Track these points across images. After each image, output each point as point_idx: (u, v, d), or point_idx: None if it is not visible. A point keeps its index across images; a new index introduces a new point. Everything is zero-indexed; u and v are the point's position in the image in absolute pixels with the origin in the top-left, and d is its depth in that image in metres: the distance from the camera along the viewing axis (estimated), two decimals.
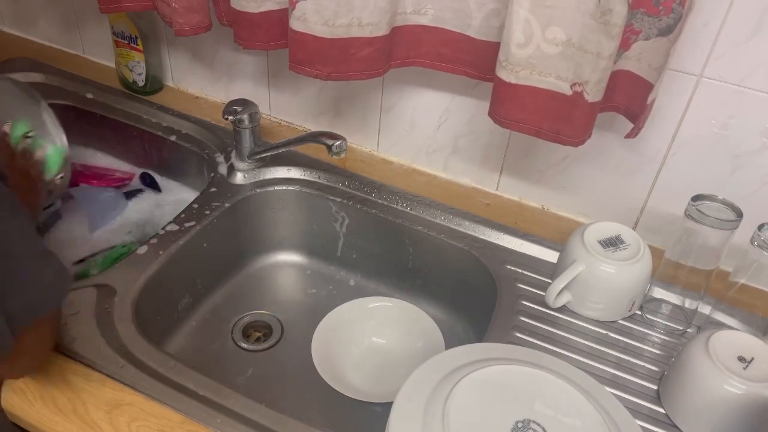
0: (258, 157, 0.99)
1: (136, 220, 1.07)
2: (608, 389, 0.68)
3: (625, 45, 0.74)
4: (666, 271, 0.81)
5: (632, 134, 0.79)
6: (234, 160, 1.01)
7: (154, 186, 1.12)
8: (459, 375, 0.63)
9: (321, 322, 0.93)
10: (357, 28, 0.81)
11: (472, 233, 0.93)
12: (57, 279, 0.63)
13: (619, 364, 0.77)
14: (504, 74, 0.77)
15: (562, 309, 0.83)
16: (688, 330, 0.81)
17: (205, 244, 0.93)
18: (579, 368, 0.70)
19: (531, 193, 0.98)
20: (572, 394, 0.63)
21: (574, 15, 0.71)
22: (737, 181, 0.83)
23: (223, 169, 1.01)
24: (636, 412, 0.72)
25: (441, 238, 0.93)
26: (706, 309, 0.82)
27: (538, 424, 0.59)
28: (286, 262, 1.06)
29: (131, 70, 1.14)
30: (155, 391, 0.70)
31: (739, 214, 0.74)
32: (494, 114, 0.81)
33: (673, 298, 0.82)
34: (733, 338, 0.69)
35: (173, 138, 1.08)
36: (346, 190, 0.99)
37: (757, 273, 0.75)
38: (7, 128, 0.86)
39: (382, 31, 0.82)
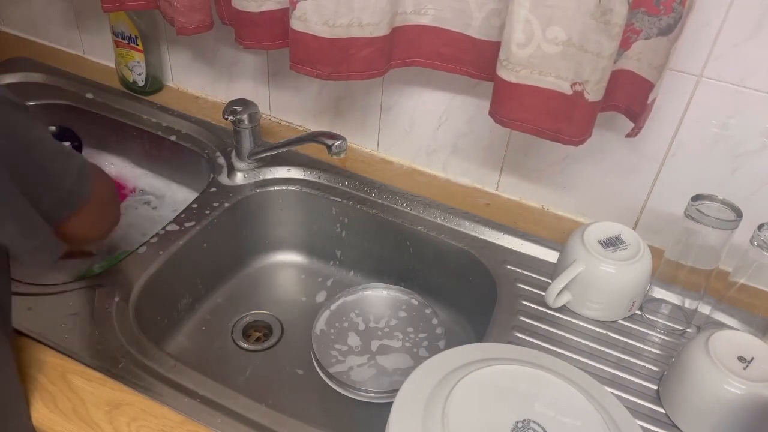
0: (258, 157, 0.99)
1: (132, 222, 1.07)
2: (608, 389, 0.68)
3: (625, 44, 0.74)
4: (666, 271, 0.81)
5: (633, 134, 0.79)
6: (234, 160, 1.01)
7: (73, 139, 1.10)
8: (459, 375, 0.63)
9: (320, 321, 0.93)
10: (357, 28, 0.81)
11: (472, 233, 0.93)
12: (81, 173, 0.64)
13: (619, 364, 0.77)
14: (504, 74, 0.77)
15: (562, 309, 0.83)
16: (688, 330, 0.81)
17: (205, 244, 0.93)
18: (579, 368, 0.70)
19: (531, 193, 0.98)
20: (572, 394, 0.63)
21: (574, 15, 0.71)
22: (737, 181, 0.83)
23: (223, 169, 1.01)
24: (636, 412, 0.72)
25: (441, 238, 0.93)
26: (706, 309, 0.82)
27: (538, 424, 0.59)
28: (286, 262, 1.06)
29: (131, 70, 1.14)
30: (155, 391, 0.70)
31: (739, 214, 0.74)
32: (495, 113, 0.81)
33: (673, 298, 0.82)
34: (733, 338, 0.69)
35: (173, 138, 1.08)
36: (346, 190, 0.99)
37: (757, 273, 0.75)
38: None
39: (382, 31, 0.82)
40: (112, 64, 1.19)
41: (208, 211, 0.94)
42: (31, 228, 0.59)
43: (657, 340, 0.80)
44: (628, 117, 0.80)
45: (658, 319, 0.82)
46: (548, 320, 0.82)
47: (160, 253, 0.87)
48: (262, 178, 1.01)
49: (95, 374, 0.71)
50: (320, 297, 1.01)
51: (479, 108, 0.93)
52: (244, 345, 0.94)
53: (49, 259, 0.63)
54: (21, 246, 0.60)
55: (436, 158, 1.02)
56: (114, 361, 0.72)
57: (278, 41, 0.90)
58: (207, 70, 1.14)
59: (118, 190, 1.11)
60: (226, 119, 0.96)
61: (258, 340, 0.95)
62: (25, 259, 0.62)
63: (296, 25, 0.82)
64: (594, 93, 0.74)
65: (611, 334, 0.81)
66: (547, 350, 0.78)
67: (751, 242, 0.74)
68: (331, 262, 1.04)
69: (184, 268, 0.91)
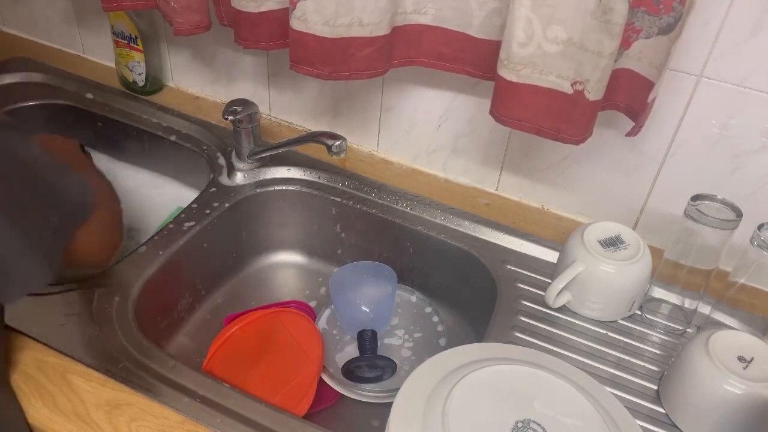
0: (258, 157, 0.99)
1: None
2: (608, 389, 0.68)
3: (625, 44, 0.74)
4: (666, 271, 0.81)
5: (633, 132, 0.79)
6: (234, 160, 1.01)
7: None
8: (459, 375, 0.63)
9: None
10: (358, 27, 0.81)
11: (472, 233, 0.93)
12: (82, 184, 0.68)
13: (619, 364, 0.77)
14: (505, 73, 0.77)
15: (562, 309, 0.83)
16: (688, 330, 0.81)
17: (205, 244, 0.93)
18: (579, 368, 0.70)
19: (531, 193, 0.98)
20: (572, 394, 0.63)
21: (575, 14, 0.71)
22: (737, 181, 0.83)
23: (223, 169, 1.01)
24: (636, 412, 0.72)
25: (441, 238, 0.93)
26: (705, 309, 0.82)
27: (538, 424, 0.59)
28: (286, 262, 1.06)
29: (131, 70, 1.14)
30: (155, 391, 0.70)
31: (739, 214, 0.74)
32: (495, 112, 0.81)
33: (672, 298, 0.82)
34: (733, 338, 0.69)
35: (173, 138, 1.08)
36: (346, 190, 0.99)
37: (756, 273, 0.75)
38: None
39: (382, 30, 0.82)
40: (112, 64, 1.19)
41: (208, 211, 0.94)
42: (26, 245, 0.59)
43: (657, 340, 0.80)
44: (629, 116, 0.80)
45: (658, 319, 0.82)
46: (548, 320, 0.82)
47: (160, 253, 0.87)
48: (262, 178, 1.01)
49: (95, 374, 0.71)
50: (320, 297, 1.01)
51: (479, 108, 0.93)
52: None
53: (42, 278, 0.62)
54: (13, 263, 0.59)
55: (436, 158, 1.02)
56: (114, 361, 0.72)
57: (278, 41, 0.90)
58: (207, 71, 1.14)
59: None
60: (226, 119, 0.96)
61: None
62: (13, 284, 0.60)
63: (296, 25, 0.82)
64: (594, 92, 0.74)
65: (611, 334, 0.81)
66: (547, 350, 0.78)
67: (751, 242, 0.74)
68: (331, 262, 1.04)
69: (184, 268, 0.91)
